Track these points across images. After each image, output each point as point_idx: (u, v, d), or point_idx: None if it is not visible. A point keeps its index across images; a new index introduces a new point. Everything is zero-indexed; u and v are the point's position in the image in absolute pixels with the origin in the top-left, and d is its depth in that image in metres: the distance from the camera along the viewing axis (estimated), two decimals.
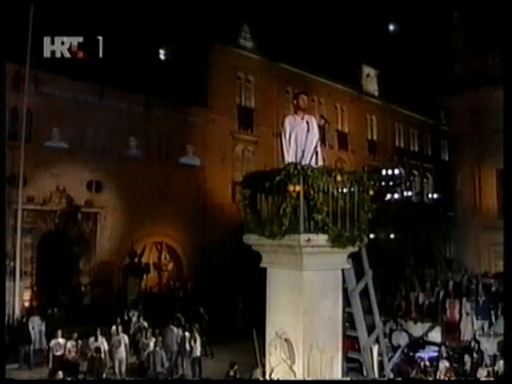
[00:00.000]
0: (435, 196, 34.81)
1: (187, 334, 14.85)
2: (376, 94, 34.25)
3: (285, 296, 7.15)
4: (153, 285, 23.23)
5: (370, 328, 8.14)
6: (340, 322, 7.27)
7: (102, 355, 13.32)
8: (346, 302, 7.58)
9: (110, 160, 22.37)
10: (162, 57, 27.81)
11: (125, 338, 14.30)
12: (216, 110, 26.28)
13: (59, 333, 13.91)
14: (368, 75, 34.11)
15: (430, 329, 16.00)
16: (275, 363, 6.99)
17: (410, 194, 31.13)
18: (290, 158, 7.43)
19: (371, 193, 7.35)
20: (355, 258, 7.67)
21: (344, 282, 7.51)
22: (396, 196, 28.03)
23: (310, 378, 6.72)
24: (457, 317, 16.09)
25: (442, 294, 17.04)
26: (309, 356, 6.82)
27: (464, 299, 16.19)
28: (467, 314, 15.86)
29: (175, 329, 15.20)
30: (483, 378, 11.28)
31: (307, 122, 7.67)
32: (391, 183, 27.40)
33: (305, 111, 7.76)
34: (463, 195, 21.81)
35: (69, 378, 12.25)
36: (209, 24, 25.92)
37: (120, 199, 22.66)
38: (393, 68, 31.89)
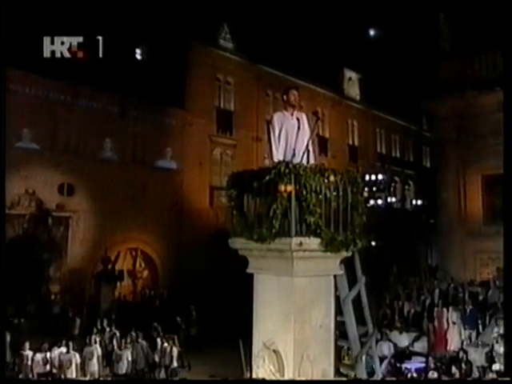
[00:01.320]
0: (418, 203, 34.93)
1: (163, 344, 14.49)
2: (358, 98, 34.30)
3: (273, 304, 6.80)
4: (127, 293, 22.72)
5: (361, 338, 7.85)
6: (332, 331, 6.95)
7: (74, 368, 12.78)
8: (338, 310, 7.26)
9: (83, 162, 21.88)
10: (138, 56, 27.39)
11: (98, 350, 13.79)
12: (194, 112, 25.95)
13: (27, 345, 13.31)
14: (350, 79, 34.16)
15: (416, 339, 15.80)
16: (263, 376, 6.63)
17: (393, 200, 31.17)
18: (279, 156, 7.13)
19: (365, 194, 7.10)
20: (347, 263, 7.38)
21: (336, 289, 7.21)
22: (379, 202, 27.98)
23: None
24: (443, 326, 15.91)
25: (427, 302, 16.87)
26: (299, 368, 6.48)
27: (451, 308, 16.02)
28: (454, 323, 15.68)
29: (151, 339, 14.85)
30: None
31: (297, 119, 7.38)
32: (374, 189, 27.34)
33: (295, 107, 7.49)
34: (447, 202, 21.77)
35: None
36: (188, 23, 25.61)
37: (93, 203, 22.12)
38: (375, 72, 31.95)
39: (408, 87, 29.85)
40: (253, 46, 27.67)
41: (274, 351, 6.61)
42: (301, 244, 6.37)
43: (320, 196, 6.53)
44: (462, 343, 15.06)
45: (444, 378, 12.47)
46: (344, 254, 6.94)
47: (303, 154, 6.95)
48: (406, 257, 24.63)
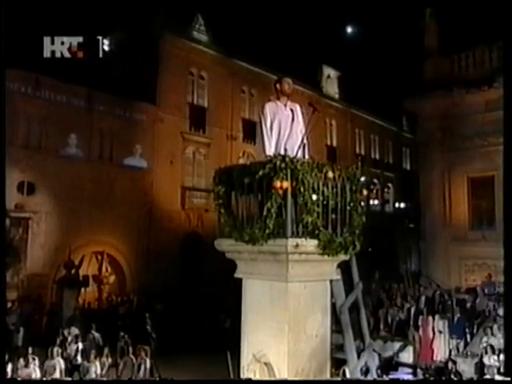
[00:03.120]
0: (400, 206, 35.06)
1: (132, 355, 13.98)
2: (336, 97, 34.23)
3: (265, 312, 6.47)
4: (92, 300, 22.04)
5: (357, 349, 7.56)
6: (328, 342, 6.66)
7: None
8: (334, 318, 6.96)
9: (45, 159, 21.11)
10: (106, 47, 26.70)
11: (60, 363, 13.15)
12: (166, 107, 25.44)
13: None
14: (329, 77, 34.07)
15: (402, 348, 15.60)
16: None
17: (375, 203, 31.17)
18: (272, 149, 6.80)
19: (365, 192, 6.82)
20: (343, 268, 7.09)
21: (332, 295, 6.90)
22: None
23: None
24: (429, 335, 15.80)
25: (413, 310, 16.73)
26: None
27: (437, 316, 15.92)
28: (440, 332, 15.59)
29: (119, 349, 14.33)
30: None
31: (291, 110, 7.10)
32: None
33: (289, 97, 7.18)
34: (431, 205, 21.78)
35: None
36: (159, 13, 25.13)
37: (56, 203, 21.38)
38: (355, 70, 31.94)
39: (390, 86, 29.93)
40: (228, 40, 27.32)
41: (266, 364, 6.26)
42: (297, 246, 6.06)
43: (318, 194, 6.23)
44: (450, 353, 14.95)
45: None
46: (342, 257, 6.65)
47: (298, 147, 6.65)
48: (387, 262, 24.55)
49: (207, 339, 17.85)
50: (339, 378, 7.74)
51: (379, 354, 15.43)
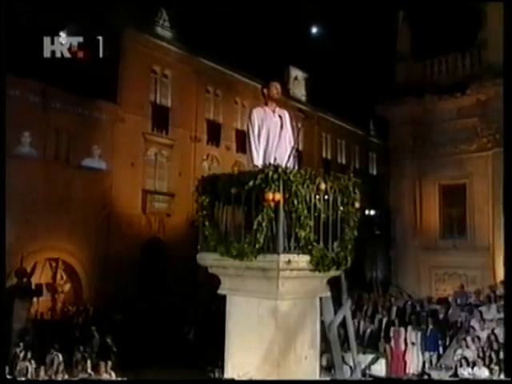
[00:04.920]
0: (366, 212, 35.35)
1: (90, 370, 13.61)
2: (303, 99, 34.31)
3: (252, 331, 6.26)
4: (45, 310, 21.32)
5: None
6: (318, 362, 6.53)
7: None
8: (323, 337, 6.83)
9: None
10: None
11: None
12: (127, 106, 24.91)
13: None
14: (296, 78, 34.14)
15: (374, 361, 15.69)
16: None
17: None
18: (260, 158, 6.63)
19: (357, 205, 6.73)
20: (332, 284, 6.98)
21: (321, 313, 6.77)
22: None
23: None
24: (401, 347, 15.91)
25: (384, 321, 16.82)
26: None
27: (409, 328, 16.06)
28: (413, 344, 15.73)
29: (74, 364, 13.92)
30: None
31: (280, 117, 6.95)
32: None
33: (277, 103, 7.04)
34: (402, 213, 22.02)
35: None
36: (121, 6, 24.60)
37: (7, 206, 20.56)
38: (323, 72, 32.07)
39: (358, 89, 30.16)
40: (193, 37, 27.01)
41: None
42: (289, 262, 5.89)
43: (310, 206, 6.09)
44: (424, 366, 15.09)
45: None
46: (333, 273, 6.54)
47: (289, 157, 6.51)
48: (354, 270, 24.61)
49: (170, 352, 17.55)
50: None
51: (350, 367, 15.50)
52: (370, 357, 15.95)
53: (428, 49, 21.63)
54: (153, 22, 26.63)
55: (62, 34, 26.73)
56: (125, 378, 13.52)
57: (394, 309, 17.55)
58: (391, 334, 16.32)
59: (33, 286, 20.52)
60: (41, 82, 21.75)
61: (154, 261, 24.90)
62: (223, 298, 6.77)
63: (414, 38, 21.89)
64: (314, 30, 30.44)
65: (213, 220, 6.51)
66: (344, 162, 37.89)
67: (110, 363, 13.89)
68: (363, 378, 12.66)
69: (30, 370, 13.80)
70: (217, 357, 13.31)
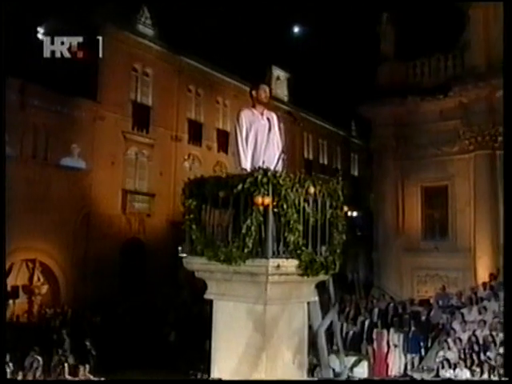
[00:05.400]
0: (348, 213, 35.54)
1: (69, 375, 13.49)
2: (286, 99, 34.33)
3: (239, 337, 6.23)
4: (21, 313, 20.99)
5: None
6: (305, 369, 6.53)
7: None
8: (310, 343, 6.83)
9: None
10: (41, 36, 25.64)
11: None
12: (107, 104, 24.67)
13: None
14: (278, 78, 34.14)
15: (356, 363, 15.70)
16: None
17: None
18: (248, 161, 6.60)
19: (345, 209, 6.74)
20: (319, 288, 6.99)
21: (308, 318, 6.77)
22: None
23: None
24: (383, 349, 16.02)
25: (367, 323, 16.91)
26: None
27: (391, 330, 16.17)
28: (395, 345, 15.84)
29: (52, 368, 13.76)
30: None
31: (268, 119, 6.93)
32: None
33: (266, 106, 7.02)
34: (384, 214, 22.13)
35: None
36: (102, 2, 24.37)
37: None
38: (306, 72, 32.14)
39: (341, 90, 30.27)
40: (175, 36, 26.88)
41: None
42: (278, 267, 5.87)
43: (300, 210, 6.08)
44: (406, 368, 15.20)
45: None
46: (321, 277, 6.55)
47: (278, 160, 6.49)
48: (336, 273, 24.68)
49: (150, 354, 17.44)
50: None
51: (333, 370, 15.54)
52: (352, 359, 15.97)
53: (411, 50, 21.79)
54: (134, 19, 26.42)
55: (41, 29, 26.57)
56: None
57: (376, 311, 17.65)
58: (374, 336, 16.45)
59: (8, 288, 20.26)
60: (18, 78, 21.44)
61: (133, 262, 24.71)
62: (205, 300, 6.76)
63: (398, 39, 22.01)
64: (297, 29, 30.53)
65: (200, 223, 6.45)
66: (326, 162, 38.03)
67: (87, 366, 13.74)
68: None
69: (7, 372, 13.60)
70: (198, 359, 13.32)
